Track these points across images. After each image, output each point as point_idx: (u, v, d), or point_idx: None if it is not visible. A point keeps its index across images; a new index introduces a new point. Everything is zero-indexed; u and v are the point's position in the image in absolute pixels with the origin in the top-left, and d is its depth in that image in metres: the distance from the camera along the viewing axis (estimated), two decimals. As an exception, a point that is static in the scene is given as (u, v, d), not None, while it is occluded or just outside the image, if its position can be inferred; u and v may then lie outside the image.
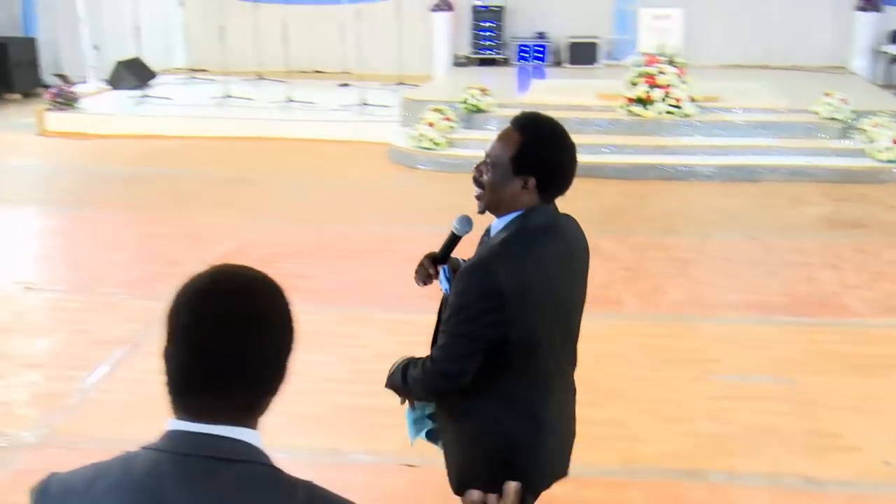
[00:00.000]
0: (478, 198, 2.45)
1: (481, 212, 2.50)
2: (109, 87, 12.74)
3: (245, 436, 1.39)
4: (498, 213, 2.45)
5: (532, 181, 2.37)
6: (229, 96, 11.74)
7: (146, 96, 11.94)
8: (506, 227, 2.43)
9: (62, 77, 13.71)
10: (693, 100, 10.05)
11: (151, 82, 13.01)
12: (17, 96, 13.41)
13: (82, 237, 7.48)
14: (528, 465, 2.45)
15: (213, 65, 13.27)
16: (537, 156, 2.38)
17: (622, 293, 6.21)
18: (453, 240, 2.69)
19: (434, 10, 13.45)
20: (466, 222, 2.65)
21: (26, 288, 6.21)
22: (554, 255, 2.42)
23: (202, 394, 1.37)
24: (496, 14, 13.68)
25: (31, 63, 13.81)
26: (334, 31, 12.85)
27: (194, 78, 13.54)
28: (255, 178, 9.32)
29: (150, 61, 13.38)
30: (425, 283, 2.80)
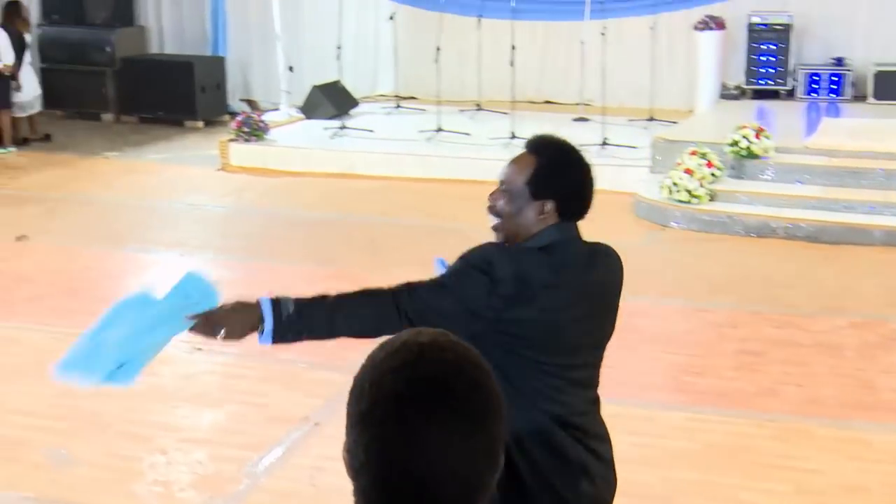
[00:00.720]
0: (495, 229, 2.82)
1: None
2: (303, 115, 13.49)
3: None
4: (516, 242, 2.80)
5: (551, 205, 2.75)
6: (441, 130, 12.13)
7: (344, 127, 12.54)
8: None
9: (251, 103, 14.69)
10: None
11: (352, 111, 13.67)
12: (200, 124, 14.45)
13: (260, 292, 7.88)
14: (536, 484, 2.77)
15: (425, 92, 13.77)
16: (555, 177, 2.77)
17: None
18: None
19: (699, 28, 13.38)
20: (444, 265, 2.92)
21: (195, 349, 6.63)
22: (578, 276, 2.78)
23: None
24: (780, 34, 13.42)
25: (218, 86, 14.86)
26: (572, 54, 13.04)
27: (401, 107, 14.09)
28: (468, 230, 9.45)
29: (352, 86, 14.07)
30: None
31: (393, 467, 1.39)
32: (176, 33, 15.72)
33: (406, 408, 1.39)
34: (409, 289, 2.70)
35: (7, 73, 12.70)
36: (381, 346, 1.47)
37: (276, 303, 2.65)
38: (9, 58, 12.68)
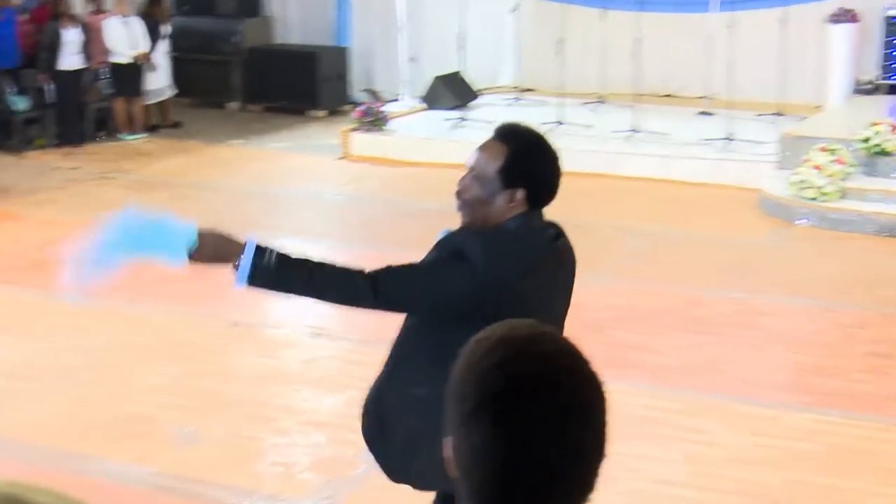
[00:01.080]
0: (463, 214, 2.90)
1: None
2: (425, 105, 13.59)
3: None
4: (484, 228, 2.86)
5: (521, 193, 2.82)
6: (561, 123, 12.10)
7: (463, 119, 12.60)
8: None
9: (372, 93, 14.84)
10: None
11: (472, 103, 13.72)
12: (322, 114, 14.68)
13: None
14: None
15: (546, 84, 13.73)
16: (526, 166, 2.83)
17: None
18: None
19: (832, 20, 13.06)
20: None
21: (316, 334, 6.76)
22: (542, 257, 2.88)
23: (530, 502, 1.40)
24: (918, 27, 13.03)
25: (340, 76, 15.05)
26: (698, 47, 12.86)
27: (521, 99, 14.09)
28: (588, 223, 9.48)
29: (473, 78, 14.12)
30: None
31: (506, 465, 1.38)
32: (301, 23, 15.96)
33: (513, 406, 1.37)
34: (389, 273, 2.79)
35: (141, 62, 13.11)
36: (477, 342, 1.44)
37: (261, 249, 2.73)
38: (145, 45, 13.10)
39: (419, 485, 3.17)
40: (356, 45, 15.39)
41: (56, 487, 2.62)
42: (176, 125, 13.96)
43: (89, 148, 12.80)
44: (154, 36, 13.34)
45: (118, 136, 13.25)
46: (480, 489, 1.41)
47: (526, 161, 2.84)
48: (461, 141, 12.05)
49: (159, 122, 13.92)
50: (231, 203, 10.37)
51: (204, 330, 6.93)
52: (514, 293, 2.77)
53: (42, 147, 12.70)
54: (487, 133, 10.18)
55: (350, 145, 12.37)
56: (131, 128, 13.32)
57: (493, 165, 2.82)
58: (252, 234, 2.82)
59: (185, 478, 5.00)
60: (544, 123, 12.15)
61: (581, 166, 11.11)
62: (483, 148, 2.88)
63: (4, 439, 5.38)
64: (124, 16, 13.06)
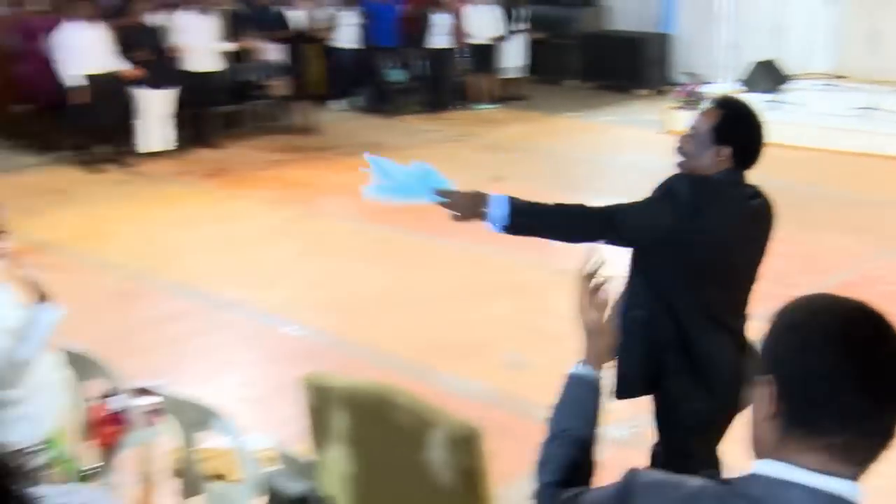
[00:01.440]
0: (679, 166, 2.95)
1: None
2: (744, 88, 13.06)
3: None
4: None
5: (727, 151, 2.86)
6: (874, 108, 11.27)
7: (776, 101, 12.00)
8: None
9: (692, 75, 14.45)
10: None
11: (783, 87, 13.05)
12: (646, 92, 14.46)
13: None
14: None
15: (859, 71, 12.86)
16: (734, 128, 2.89)
17: None
18: None
19: None
20: None
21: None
22: (738, 206, 2.89)
23: (859, 444, 1.34)
24: None
25: (663, 60, 14.78)
26: None
27: (832, 84, 13.25)
28: (893, 202, 8.85)
29: (787, 63, 13.42)
30: None
31: (855, 385, 1.31)
32: (630, 12, 15.78)
33: (860, 334, 1.33)
34: (619, 209, 2.91)
35: (496, 43, 13.43)
36: (787, 304, 1.40)
37: (511, 198, 2.85)
38: (501, 29, 13.41)
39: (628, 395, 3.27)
40: (679, 32, 15.04)
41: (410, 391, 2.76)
42: (521, 98, 14.19)
43: (449, 115, 13.27)
44: (512, 21, 13.63)
45: (472, 105, 13.63)
46: (819, 416, 1.34)
47: (734, 123, 2.90)
48: (773, 122, 11.49)
49: (508, 94, 14.18)
50: (561, 165, 10.45)
51: (534, 274, 7.03)
52: (712, 235, 2.84)
53: (412, 112, 13.29)
54: (798, 114, 9.72)
55: (671, 121, 12.12)
56: (484, 99, 13.67)
57: (707, 125, 2.90)
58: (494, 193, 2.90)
59: (514, 396, 5.12)
60: (855, 108, 11.41)
61: (890, 150, 10.36)
62: (703, 112, 2.97)
63: (371, 349, 5.73)
64: (486, 4, 13.39)
